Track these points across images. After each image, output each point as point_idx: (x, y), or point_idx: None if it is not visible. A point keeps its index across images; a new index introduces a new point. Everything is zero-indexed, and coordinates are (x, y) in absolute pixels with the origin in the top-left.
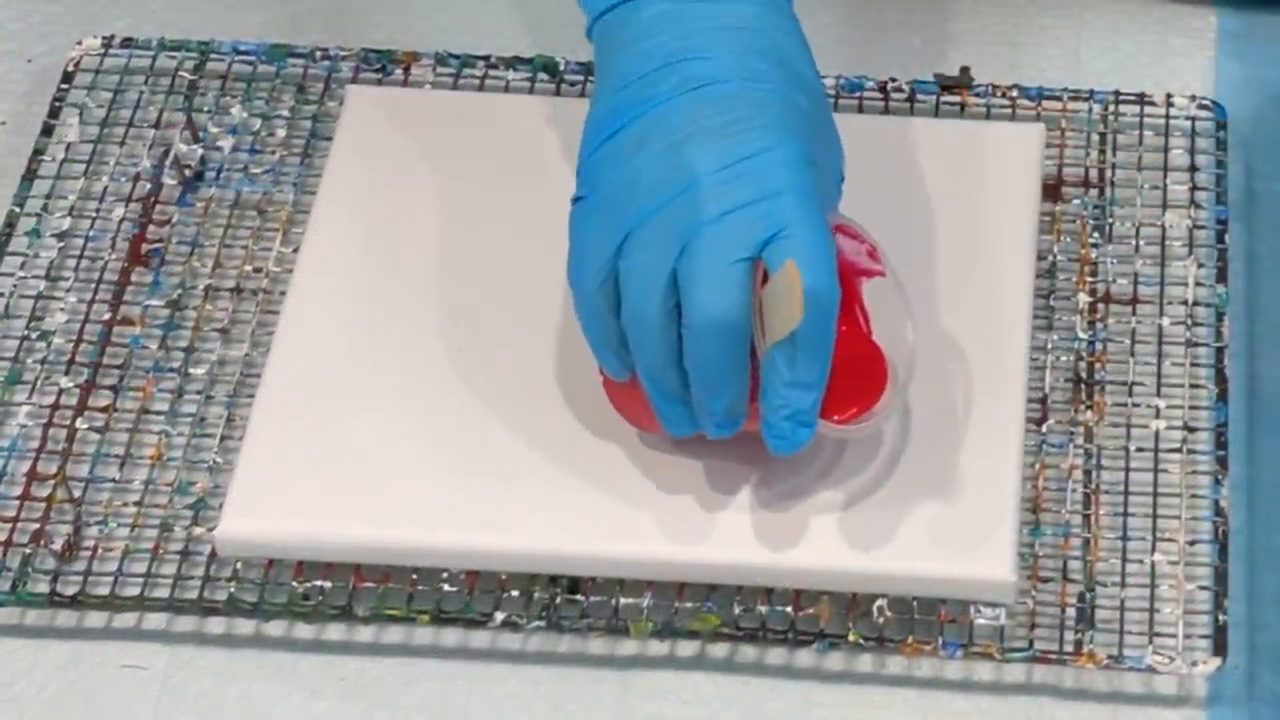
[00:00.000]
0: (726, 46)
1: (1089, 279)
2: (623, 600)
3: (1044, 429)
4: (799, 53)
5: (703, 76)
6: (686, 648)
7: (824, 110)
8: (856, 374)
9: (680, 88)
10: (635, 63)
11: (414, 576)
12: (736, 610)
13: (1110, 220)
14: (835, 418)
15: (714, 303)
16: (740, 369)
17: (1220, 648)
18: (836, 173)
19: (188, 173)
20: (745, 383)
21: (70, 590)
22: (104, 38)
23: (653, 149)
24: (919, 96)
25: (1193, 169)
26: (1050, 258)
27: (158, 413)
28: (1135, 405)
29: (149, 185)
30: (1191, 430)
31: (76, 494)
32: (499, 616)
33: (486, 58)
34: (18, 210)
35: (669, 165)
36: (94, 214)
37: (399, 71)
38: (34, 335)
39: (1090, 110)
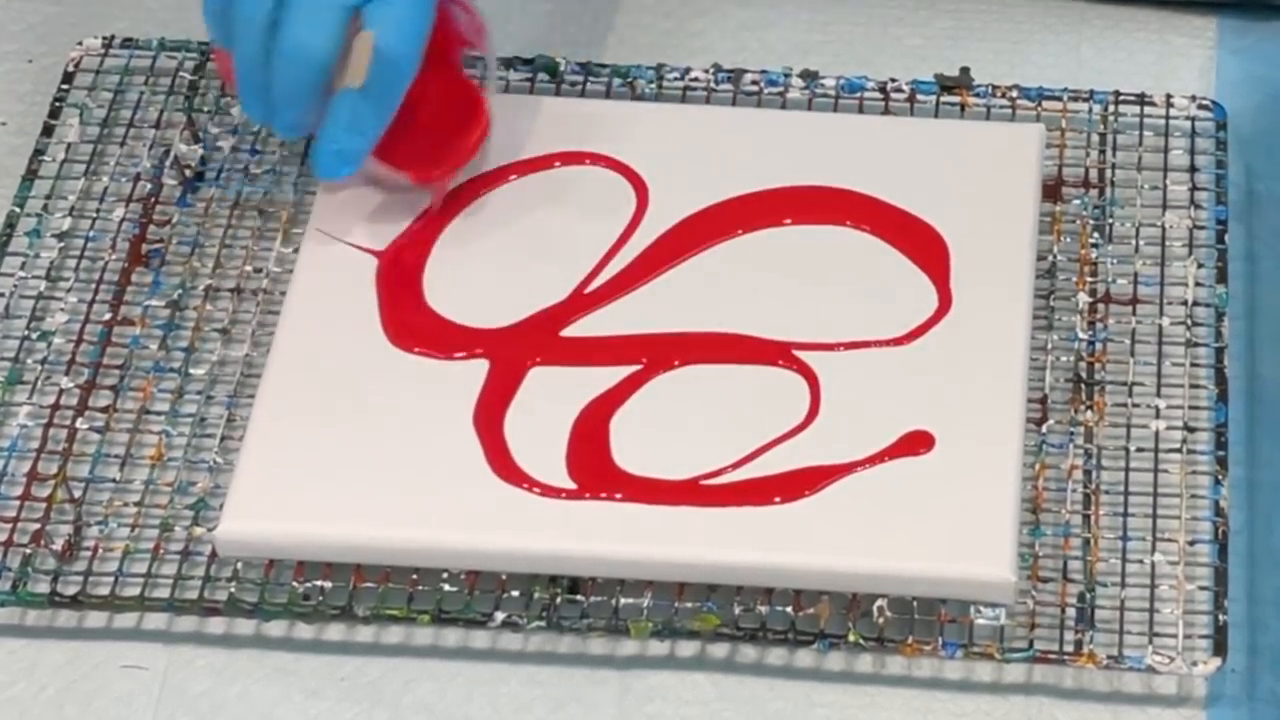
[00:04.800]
0: None
1: (1089, 279)
2: (623, 600)
3: (1044, 429)
4: None
5: None
6: (686, 648)
7: None
8: (447, 134)
9: None
10: None
11: (414, 576)
12: (736, 610)
13: (1110, 220)
14: (408, 170)
15: (305, 33)
16: (313, 94)
17: (1220, 648)
18: None
19: (188, 173)
20: (316, 105)
21: (70, 590)
22: (104, 38)
23: None
24: (919, 96)
25: (1192, 169)
26: (1050, 258)
27: (158, 413)
28: (1135, 405)
29: (149, 185)
30: (1191, 430)
31: (77, 494)
32: (499, 616)
33: None
34: (18, 210)
35: None
36: (94, 214)
37: None
38: (34, 335)
39: (1090, 110)
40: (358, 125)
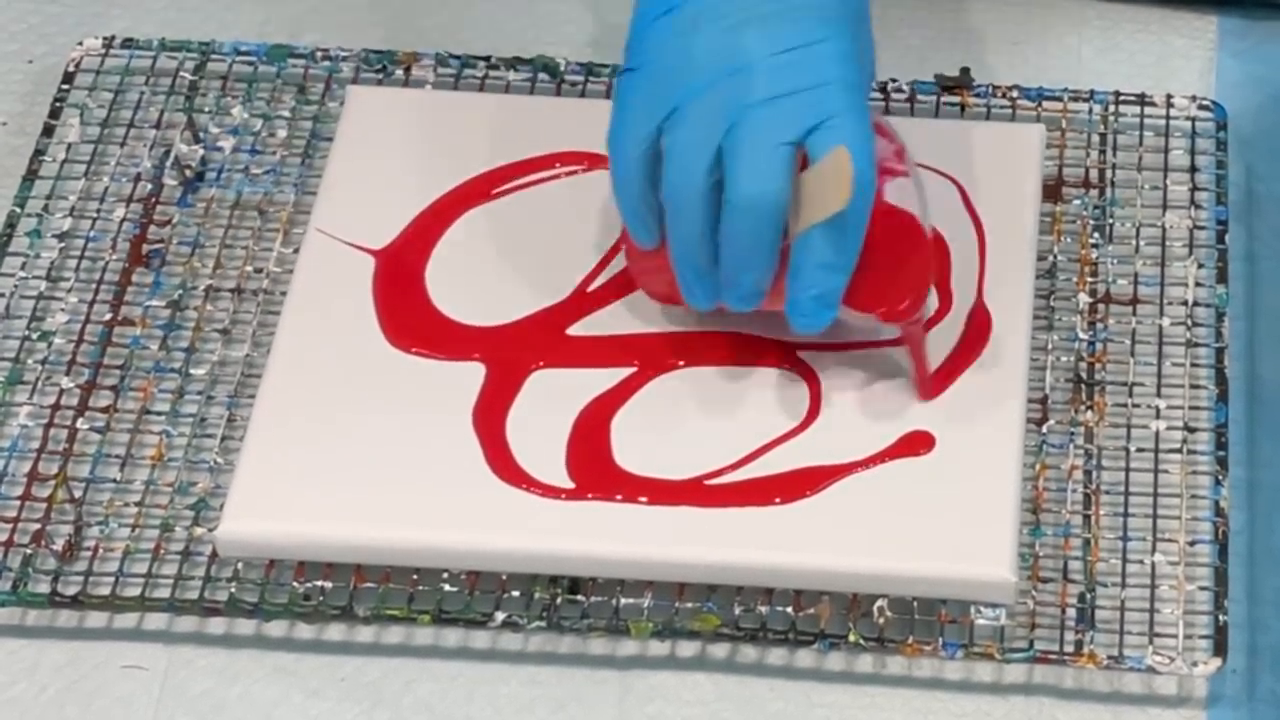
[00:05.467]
0: None
1: (1089, 279)
2: (623, 600)
3: (1044, 429)
4: None
5: None
6: (687, 648)
7: (866, 7)
8: (898, 266)
9: None
10: None
11: (414, 577)
12: (737, 610)
13: (1110, 220)
14: (875, 309)
15: (758, 182)
16: (773, 247)
17: (1220, 648)
18: (872, 69)
19: (188, 173)
20: (775, 260)
21: (71, 590)
22: (105, 38)
23: (708, 29)
24: (919, 96)
25: (1193, 169)
26: (1050, 258)
27: (158, 413)
28: (1135, 405)
29: (150, 186)
30: (1192, 431)
31: (77, 494)
32: (499, 617)
33: (487, 58)
34: (18, 210)
35: (723, 46)
36: (95, 214)
37: (400, 72)
38: (35, 335)
39: (1090, 110)
40: (834, 261)
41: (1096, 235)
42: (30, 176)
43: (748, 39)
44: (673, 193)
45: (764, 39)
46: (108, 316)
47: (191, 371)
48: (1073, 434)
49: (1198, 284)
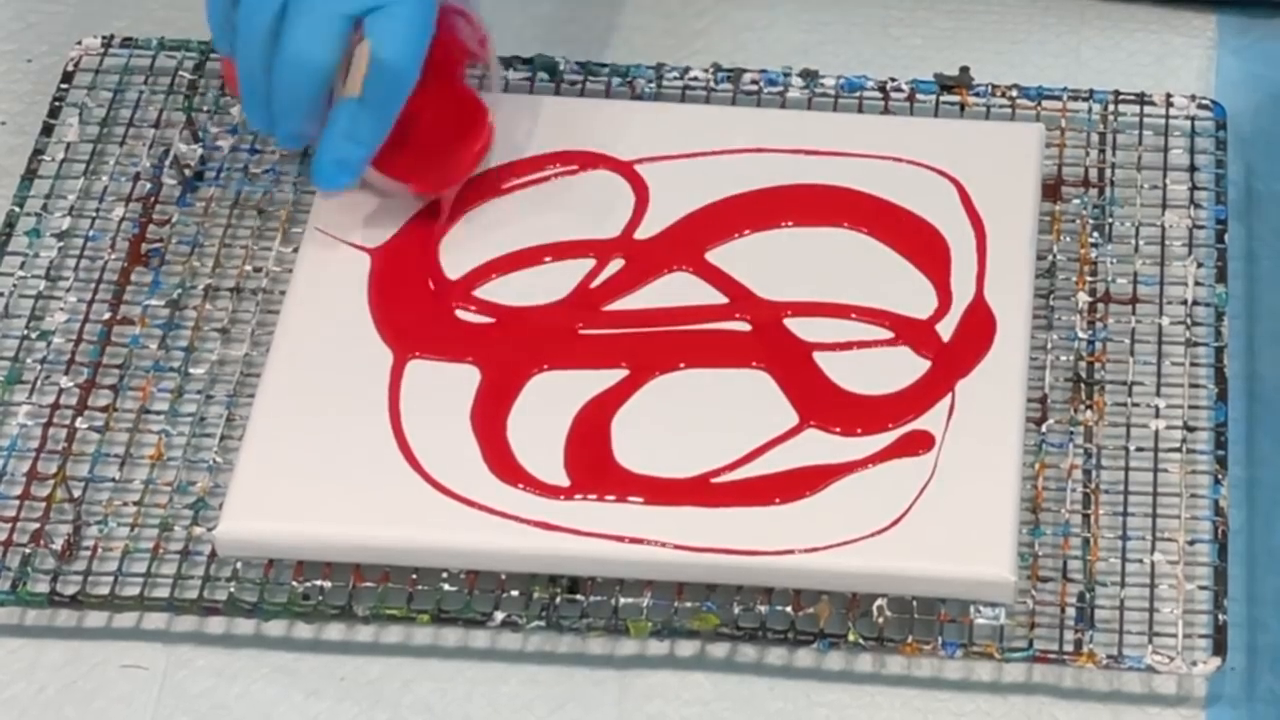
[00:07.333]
0: None
1: (1089, 279)
2: (622, 600)
3: (1044, 429)
4: None
5: None
6: (686, 647)
7: None
8: (447, 146)
9: None
10: None
11: (413, 576)
12: (736, 610)
13: (1110, 220)
14: (408, 179)
15: (305, 43)
16: (311, 104)
17: (1220, 647)
18: None
19: (188, 172)
20: (315, 116)
21: (70, 590)
22: (104, 37)
23: None
24: (919, 96)
25: (1192, 169)
26: (1050, 257)
27: (158, 412)
28: (1135, 405)
29: (149, 185)
30: (1191, 430)
31: (76, 494)
32: (499, 616)
33: None
34: (18, 210)
35: None
36: (94, 214)
37: None
38: (34, 335)
39: (1090, 110)
40: (357, 134)
41: (1096, 234)
42: (29, 176)
43: None
44: (242, 23)
45: None
46: (107, 316)
47: (190, 371)
48: (1072, 433)
49: (1197, 283)
